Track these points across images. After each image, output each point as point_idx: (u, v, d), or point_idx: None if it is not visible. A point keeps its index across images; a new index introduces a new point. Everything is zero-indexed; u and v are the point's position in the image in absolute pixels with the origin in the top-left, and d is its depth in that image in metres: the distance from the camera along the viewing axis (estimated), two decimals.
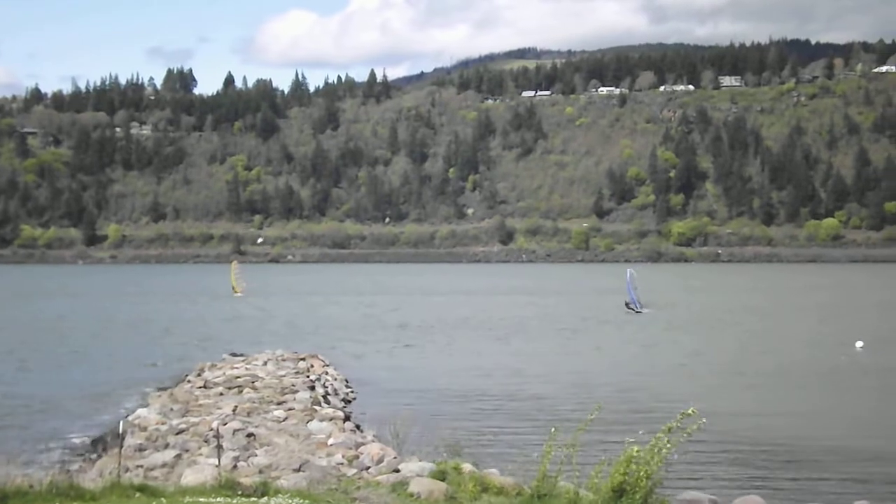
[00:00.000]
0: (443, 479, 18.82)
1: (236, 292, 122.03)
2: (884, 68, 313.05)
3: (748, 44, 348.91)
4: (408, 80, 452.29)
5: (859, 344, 58.76)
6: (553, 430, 17.21)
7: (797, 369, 49.04)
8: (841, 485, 24.99)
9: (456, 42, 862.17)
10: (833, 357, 53.94)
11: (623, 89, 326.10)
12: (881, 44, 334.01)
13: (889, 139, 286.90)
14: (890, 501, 22.95)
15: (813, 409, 37.76)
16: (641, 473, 15.52)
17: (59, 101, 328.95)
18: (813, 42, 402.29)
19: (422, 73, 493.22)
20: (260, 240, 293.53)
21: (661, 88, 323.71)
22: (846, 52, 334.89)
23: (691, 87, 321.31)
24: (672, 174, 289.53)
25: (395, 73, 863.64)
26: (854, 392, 42.22)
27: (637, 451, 15.67)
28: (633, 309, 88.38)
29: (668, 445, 15.69)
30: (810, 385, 44.17)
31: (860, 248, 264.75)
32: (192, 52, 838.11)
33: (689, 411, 15.94)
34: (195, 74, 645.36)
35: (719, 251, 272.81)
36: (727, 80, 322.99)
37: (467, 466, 20.09)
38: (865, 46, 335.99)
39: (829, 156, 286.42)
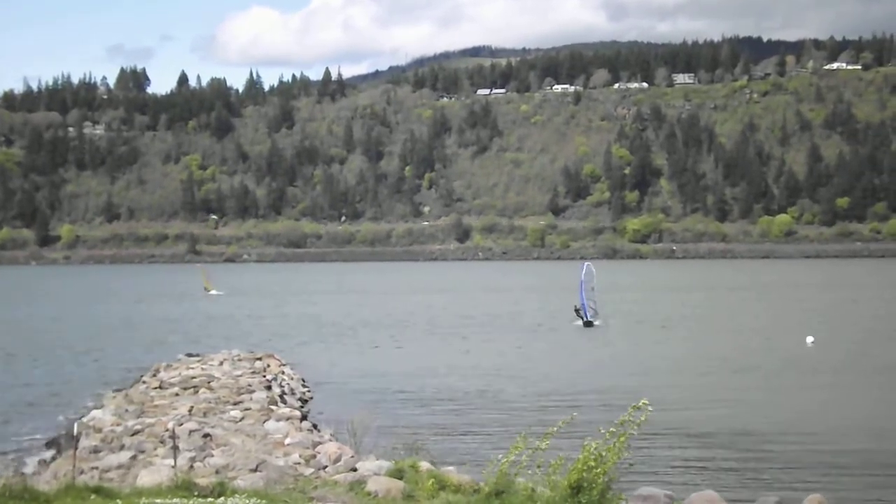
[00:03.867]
0: (400, 478, 18.86)
1: (209, 290, 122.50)
2: (835, 65, 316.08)
3: (701, 41, 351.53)
4: (363, 78, 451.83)
5: (810, 339, 59.22)
6: (520, 435, 17.24)
7: (750, 365, 49.40)
8: (795, 479, 25.20)
9: (417, 40, 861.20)
10: (786, 352, 54.40)
11: (578, 87, 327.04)
12: (832, 41, 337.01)
13: (840, 135, 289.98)
14: (842, 494, 23.20)
15: (766, 404, 38.03)
16: (599, 470, 15.61)
17: (10, 100, 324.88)
18: (765, 39, 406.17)
19: (377, 71, 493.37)
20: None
21: (616, 86, 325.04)
22: (798, 49, 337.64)
23: (645, 85, 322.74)
24: (627, 171, 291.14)
25: (356, 70, 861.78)
26: (806, 387, 42.60)
27: (595, 448, 15.76)
28: (581, 317, 74.19)
29: (623, 439, 15.79)
30: (763, 381, 44.50)
31: (812, 243, 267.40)
32: (153, 50, 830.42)
33: (640, 403, 16.05)
34: (155, 73, 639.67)
35: (674, 248, 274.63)
36: (680, 78, 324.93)
37: (425, 464, 20.15)
38: (816, 44, 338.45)
39: (782, 152, 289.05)
